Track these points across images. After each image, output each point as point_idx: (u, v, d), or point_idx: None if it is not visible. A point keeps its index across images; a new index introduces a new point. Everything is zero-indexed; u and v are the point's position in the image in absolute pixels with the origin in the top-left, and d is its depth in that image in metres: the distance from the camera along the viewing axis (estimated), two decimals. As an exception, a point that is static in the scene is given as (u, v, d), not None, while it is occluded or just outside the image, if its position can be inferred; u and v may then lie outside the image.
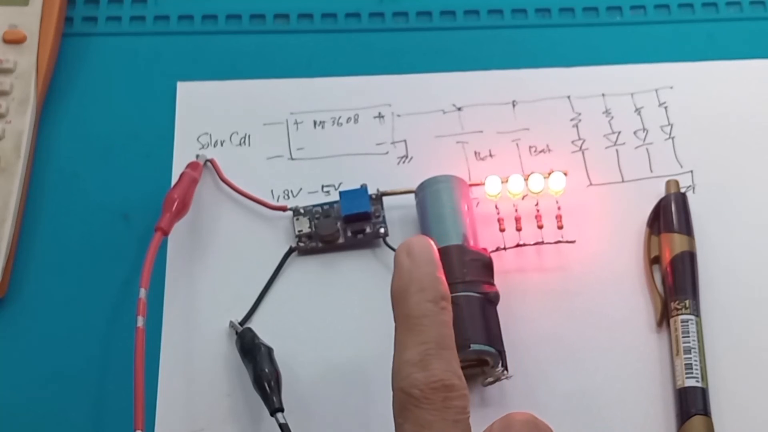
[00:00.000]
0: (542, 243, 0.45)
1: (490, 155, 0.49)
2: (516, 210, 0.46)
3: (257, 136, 0.49)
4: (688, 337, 0.42)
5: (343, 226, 0.46)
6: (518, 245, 0.45)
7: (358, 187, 0.46)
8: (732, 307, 0.45)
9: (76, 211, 0.47)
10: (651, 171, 0.49)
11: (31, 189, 0.47)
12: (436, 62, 0.52)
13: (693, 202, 0.46)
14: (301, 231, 0.46)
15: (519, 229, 0.45)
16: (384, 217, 0.46)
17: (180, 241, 0.46)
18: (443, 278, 0.34)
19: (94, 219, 0.47)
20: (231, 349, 0.43)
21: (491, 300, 0.42)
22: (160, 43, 0.52)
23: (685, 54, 0.52)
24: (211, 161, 0.48)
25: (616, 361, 0.43)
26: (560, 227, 0.46)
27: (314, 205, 0.47)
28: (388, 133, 0.49)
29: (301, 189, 0.48)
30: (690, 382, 0.42)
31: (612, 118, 0.50)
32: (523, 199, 0.46)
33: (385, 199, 0.47)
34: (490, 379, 0.42)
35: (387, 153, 0.49)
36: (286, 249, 0.46)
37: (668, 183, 0.47)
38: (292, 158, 0.49)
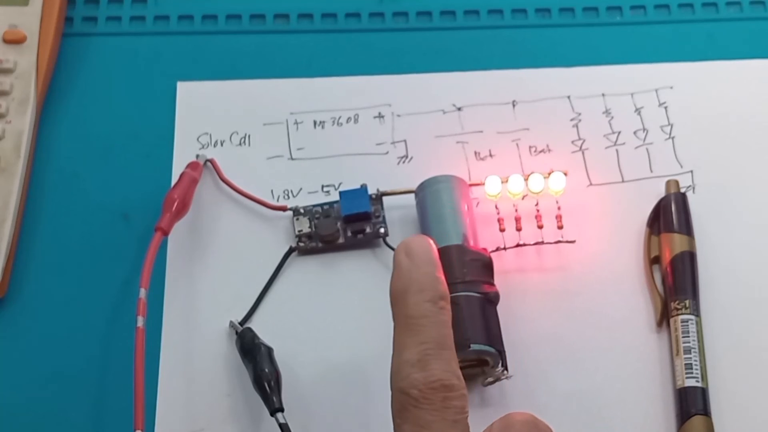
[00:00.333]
0: (542, 243, 0.45)
1: (490, 155, 0.49)
2: (516, 210, 0.46)
3: (257, 136, 0.49)
4: (688, 337, 0.42)
5: (343, 226, 0.46)
6: (518, 245, 0.45)
7: (358, 187, 0.46)
8: (732, 307, 0.45)
9: (76, 211, 0.47)
10: (651, 171, 0.49)
11: (31, 189, 0.47)
12: (436, 62, 0.52)
13: (693, 202, 0.46)
14: (301, 231, 0.46)
15: (519, 229, 0.45)
16: (384, 217, 0.46)
17: (180, 241, 0.46)
18: (443, 278, 0.34)
19: (94, 219, 0.47)
20: (231, 349, 0.43)
21: (491, 300, 0.42)
22: (160, 43, 0.52)
23: (685, 54, 0.52)
24: (211, 161, 0.48)
25: (616, 361, 0.43)
26: (560, 227, 0.46)
27: (314, 205, 0.47)
28: (388, 133, 0.49)
29: (301, 189, 0.48)
30: (690, 382, 0.42)
31: (612, 118, 0.50)
32: (523, 199, 0.46)
33: (385, 199, 0.47)
34: (490, 379, 0.42)
35: (387, 153, 0.49)
36: (286, 249, 0.46)
37: (668, 183, 0.47)
38: (292, 158, 0.49)
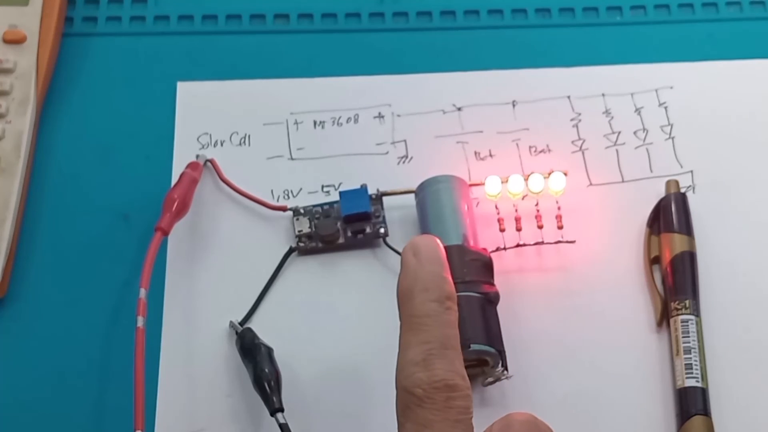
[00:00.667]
0: (542, 243, 0.45)
1: (490, 155, 0.49)
2: (516, 210, 0.46)
3: (257, 136, 0.49)
4: (688, 337, 0.42)
5: (343, 226, 0.46)
6: (518, 245, 0.45)
7: (358, 187, 0.46)
8: (732, 307, 0.45)
9: (76, 212, 0.47)
10: (651, 171, 0.49)
11: (31, 189, 0.47)
12: (436, 62, 0.52)
13: (693, 202, 0.46)
14: (301, 231, 0.46)
15: (519, 229, 0.45)
16: (384, 217, 0.46)
17: (180, 241, 0.46)
18: (449, 278, 0.34)
19: (94, 219, 0.47)
20: (231, 349, 0.43)
21: (491, 300, 0.42)
22: (160, 43, 0.52)
23: (685, 54, 0.52)
24: (211, 161, 0.48)
25: (616, 361, 0.43)
26: (560, 227, 0.46)
27: (314, 205, 0.47)
28: (388, 133, 0.49)
29: (301, 189, 0.48)
30: (690, 382, 0.42)
31: (612, 118, 0.50)
32: (523, 199, 0.46)
33: (385, 199, 0.47)
34: (490, 379, 0.42)
35: (387, 153, 0.49)
36: (286, 249, 0.46)
37: (668, 183, 0.47)
38: (292, 158, 0.49)
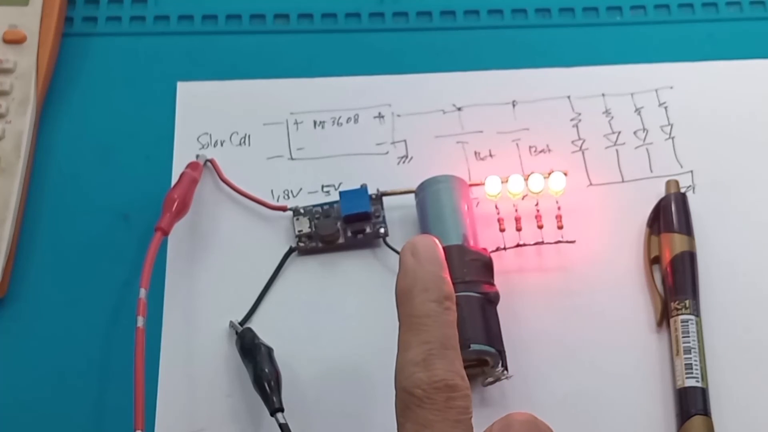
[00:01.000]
0: (542, 243, 0.45)
1: (490, 155, 0.49)
2: (516, 210, 0.46)
3: (257, 136, 0.49)
4: (688, 337, 0.42)
5: (343, 226, 0.46)
6: (518, 245, 0.45)
7: (358, 187, 0.46)
8: (732, 307, 0.45)
9: (76, 211, 0.47)
10: (651, 171, 0.49)
11: (31, 189, 0.47)
12: (436, 62, 0.52)
13: (693, 202, 0.46)
14: (301, 231, 0.46)
15: (519, 229, 0.45)
16: (384, 217, 0.46)
17: (180, 241, 0.46)
18: (448, 278, 0.34)
19: (94, 219, 0.47)
20: (231, 349, 0.43)
21: (491, 300, 0.42)
22: (160, 43, 0.52)
23: (685, 54, 0.52)
24: (211, 161, 0.48)
25: (616, 361, 0.43)
26: (560, 227, 0.46)
27: (314, 205, 0.47)
28: (388, 133, 0.49)
29: (301, 189, 0.48)
30: (690, 382, 0.42)
31: (612, 118, 0.50)
32: (523, 199, 0.46)
33: (385, 199, 0.47)
34: (490, 379, 0.42)
35: (387, 153, 0.49)
36: (286, 249, 0.46)
37: (668, 183, 0.47)
38: (292, 158, 0.49)
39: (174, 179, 0.47)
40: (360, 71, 0.51)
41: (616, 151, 0.49)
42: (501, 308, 0.42)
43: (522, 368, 0.42)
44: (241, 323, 0.44)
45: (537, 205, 0.46)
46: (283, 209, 0.47)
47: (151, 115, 0.50)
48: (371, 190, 0.46)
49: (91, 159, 0.49)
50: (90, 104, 0.50)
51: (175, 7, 0.53)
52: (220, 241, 0.46)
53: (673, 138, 0.50)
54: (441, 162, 0.48)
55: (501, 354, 0.41)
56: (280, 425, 0.39)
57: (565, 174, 0.46)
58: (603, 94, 0.51)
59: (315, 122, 0.50)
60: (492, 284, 0.42)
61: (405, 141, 0.49)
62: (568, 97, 0.51)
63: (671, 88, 0.51)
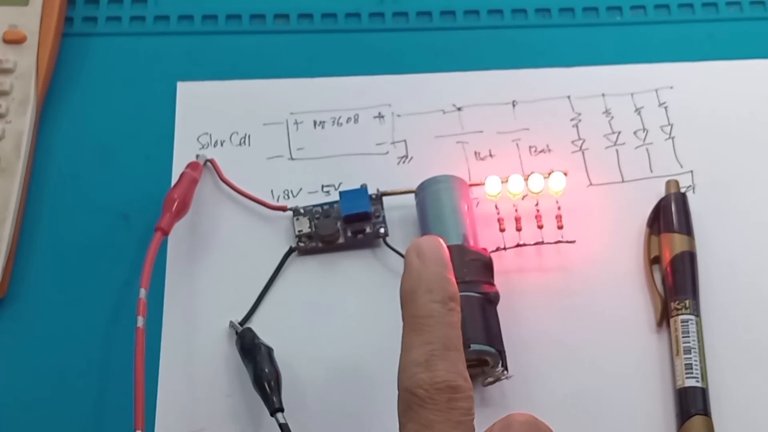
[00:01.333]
0: (542, 243, 0.45)
1: (490, 155, 0.49)
2: (516, 210, 0.46)
3: (257, 136, 0.49)
4: (688, 337, 0.42)
5: (343, 226, 0.46)
6: (518, 245, 0.45)
7: (358, 187, 0.46)
8: (732, 307, 0.45)
9: (76, 211, 0.47)
10: (651, 171, 0.49)
11: (31, 189, 0.47)
12: (436, 62, 0.52)
13: (693, 202, 0.46)
14: (301, 231, 0.46)
15: (519, 229, 0.45)
16: (384, 217, 0.46)
17: (180, 241, 0.46)
18: (452, 279, 0.34)
19: (94, 219, 0.47)
20: (231, 349, 0.43)
21: (491, 300, 0.42)
22: (160, 43, 0.52)
23: (685, 54, 0.52)
24: (211, 161, 0.48)
25: (616, 361, 0.43)
26: (560, 227, 0.46)
27: (314, 205, 0.47)
28: (388, 133, 0.49)
29: (301, 189, 0.48)
30: (690, 382, 0.42)
31: (612, 118, 0.50)
32: (523, 199, 0.46)
33: (385, 199, 0.47)
34: (490, 379, 0.42)
35: (387, 153, 0.49)
36: (286, 249, 0.46)
37: (668, 183, 0.47)
38: (292, 158, 0.49)
39: (174, 179, 0.47)
40: (360, 71, 0.51)
41: (616, 151, 0.49)
42: (501, 308, 0.43)
43: (522, 368, 0.42)
44: (241, 323, 0.44)
45: (537, 205, 0.46)
46: (283, 209, 0.47)
47: (151, 115, 0.50)
48: (371, 190, 0.46)
49: (91, 159, 0.49)
50: (90, 104, 0.50)
51: (175, 7, 0.53)
52: (220, 241, 0.46)
53: (673, 138, 0.50)
54: (441, 162, 0.48)
55: (501, 354, 0.41)
56: (280, 425, 0.39)
57: (565, 174, 0.46)
58: (603, 94, 0.51)
59: (315, 122, 0.50)
60: (492, 284, 0.42)
61: (405, 141, 0.49)
62: (568, 97, 0.51)
63: (671, 88, 0.51)
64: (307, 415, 0.42)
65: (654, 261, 0.45)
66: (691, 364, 0.42)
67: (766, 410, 0.42)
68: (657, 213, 0.46)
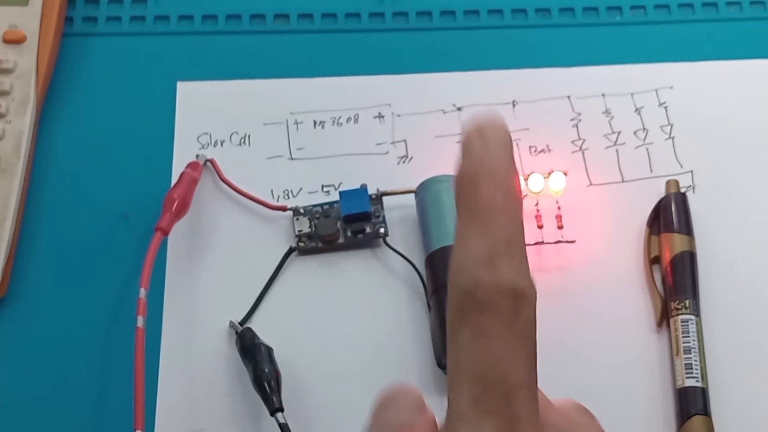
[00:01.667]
0: (542, 243, 0.45)
1: (490, 155, 0.49)
2: (516, 210, 0.46)
3: (257, 136, 0.49)
4: (688, 337, 0.42)
5: (343, 226, 0.46)
6: (518, 245, 0.45)
7: (358, 187, 0.46)
8: (732, 307, 0.45)
9: (76, 212, 0.47)
10: (651, 171, 0.49)
11: (31, 189, 0.47)
12: (436, 62, 0.52)
13: (693, 202, 0.46)
14: (301, 231, 0.46)
15: (519, 229, 0.45)
16: (384, 217, 0.46)
17: (180, 241, 0.46)
18: (516, 170, 0.27)
19: (94, 219, 0.47)
20: (231, 349, 0.43)
21: (491, 300, 0.42)
22: (160, 43, 0.52)
23: (685, 54, 0.52)
24: (211, 161, 0.48)
25: (616, 361, 0.43)
26: (560, 227, 0.46)
27: (314, 205, 0.47)
28: (388, 133, 0.49)
29: (301, 189, 0.48)
30: (690, 382, 0.41)
31: (612, 118, 0.50)
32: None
33: (385, 199, 0.47)
34: (490, 379, 0.41)
35: (387, 153, 0.49)
36: (286, 249, 0.46)
37: (668, 183, 0.47)
38: (292, 158, 0.49)
39: (174, 179, 0.47)
40: (360, 71, 0.51)
41: (616, 151, 0.49)
42: (501, 308, 0.42)
43: (522, 368, 0.42)
44: (241, 323, 0.44)
45: (537, 204, 0.46)
46: (283, 209, 0.46)
47: (151, 115, 0.50)
48: (371, 190, 0.46)
49: (91, 159, 0.49)
50: (90, 104, 0.50)
51: (175, 7, 0.53)
52: (220, 241, 0.46)
53: (673, 138, 0.50)
54: (441, 162, 0.48)
55: (501, 354, 0.41)
56: (280, 425, 0.39)
57: (565, 174, 0.46)
58: (603, 94, 0.51)
59: (315, 122, 0.50)
60: (492, 284, 0.42)
61: (405, 141, 0.49)
62: (568, 97, 0.51)
63: (671, 88, 0.51)
64: (307, 415, 0.42)
65: (654, 261, 0.45)
66: (691, 364, 0.42)
67: (766, 410, 0.42)
68: (657, 213, 0.46)
